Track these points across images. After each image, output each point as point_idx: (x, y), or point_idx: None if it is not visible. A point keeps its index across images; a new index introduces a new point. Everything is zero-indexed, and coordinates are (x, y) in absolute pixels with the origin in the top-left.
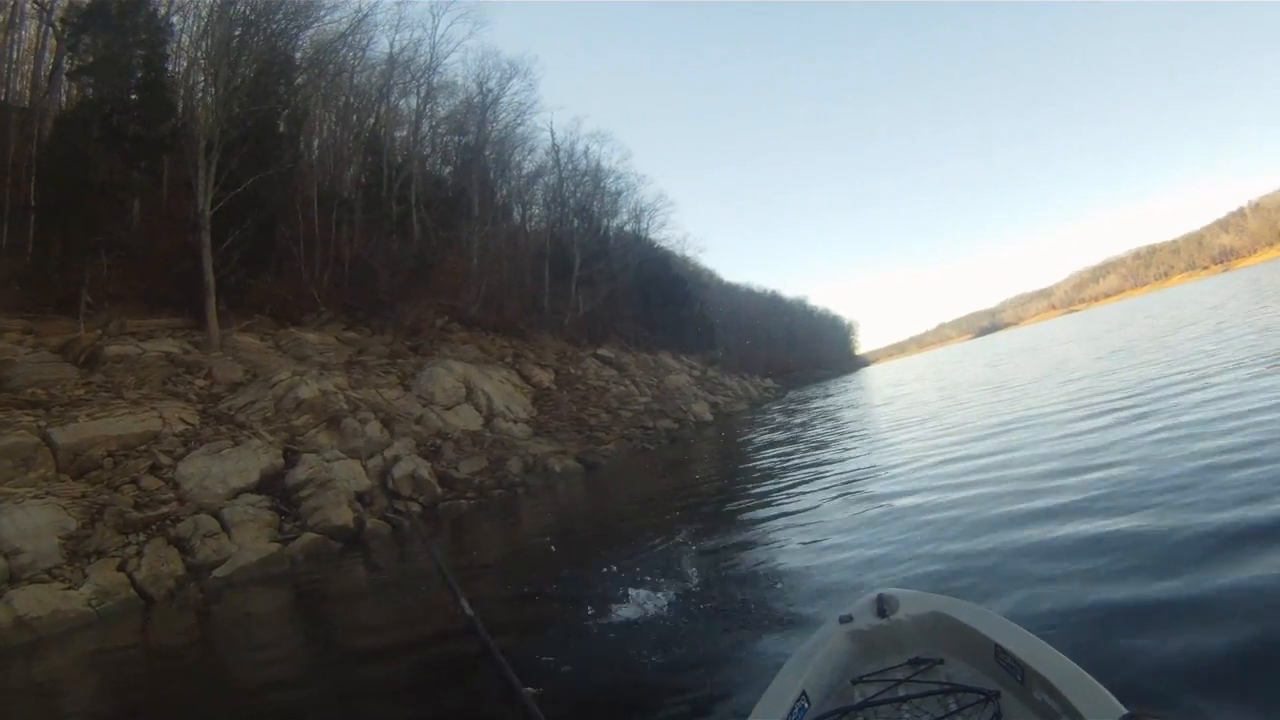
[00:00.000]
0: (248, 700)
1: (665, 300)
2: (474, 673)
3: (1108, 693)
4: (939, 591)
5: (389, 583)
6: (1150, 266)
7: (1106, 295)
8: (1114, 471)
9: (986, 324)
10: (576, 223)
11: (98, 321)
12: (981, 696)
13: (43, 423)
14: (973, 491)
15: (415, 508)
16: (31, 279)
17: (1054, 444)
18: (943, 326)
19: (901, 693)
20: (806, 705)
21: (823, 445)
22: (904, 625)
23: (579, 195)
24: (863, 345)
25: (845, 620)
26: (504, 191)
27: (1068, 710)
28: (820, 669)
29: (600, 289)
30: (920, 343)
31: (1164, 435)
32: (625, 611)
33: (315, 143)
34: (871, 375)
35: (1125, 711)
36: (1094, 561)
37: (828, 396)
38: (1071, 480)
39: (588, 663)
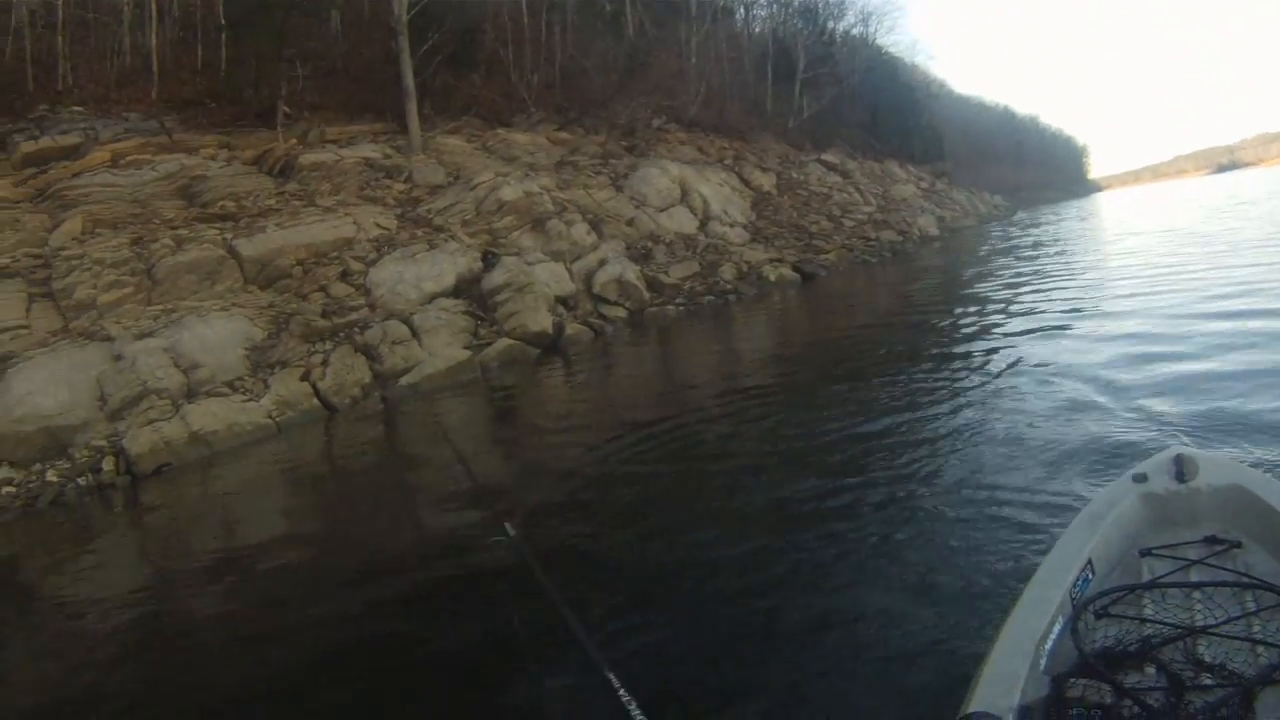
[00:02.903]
0: (442, 511)
1: (893, 109)
2: (677, 466)
3: None
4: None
5: (586, 389)
6: None
7: None
8: None
9: (1225, 160)
10: (800, 24)
11: (296, 132)
12: None
13: (229, 235)
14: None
15: (620, 313)
16: (226, 96)
17: None
18: (1179, 159)
19: (1194, 577)
20: (1090, 576)
21: (1059, 279)
22: (1202, 495)
23: None
24: (1095, 170)
25: (1139, 479)
26: None
27: None
28: (1109, 535)
29: (825, 92)
30: (1155, 173)
31: None
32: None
33: None
34: (1105, 202)
35: None
36: None
37: (1060, 221)
38: None
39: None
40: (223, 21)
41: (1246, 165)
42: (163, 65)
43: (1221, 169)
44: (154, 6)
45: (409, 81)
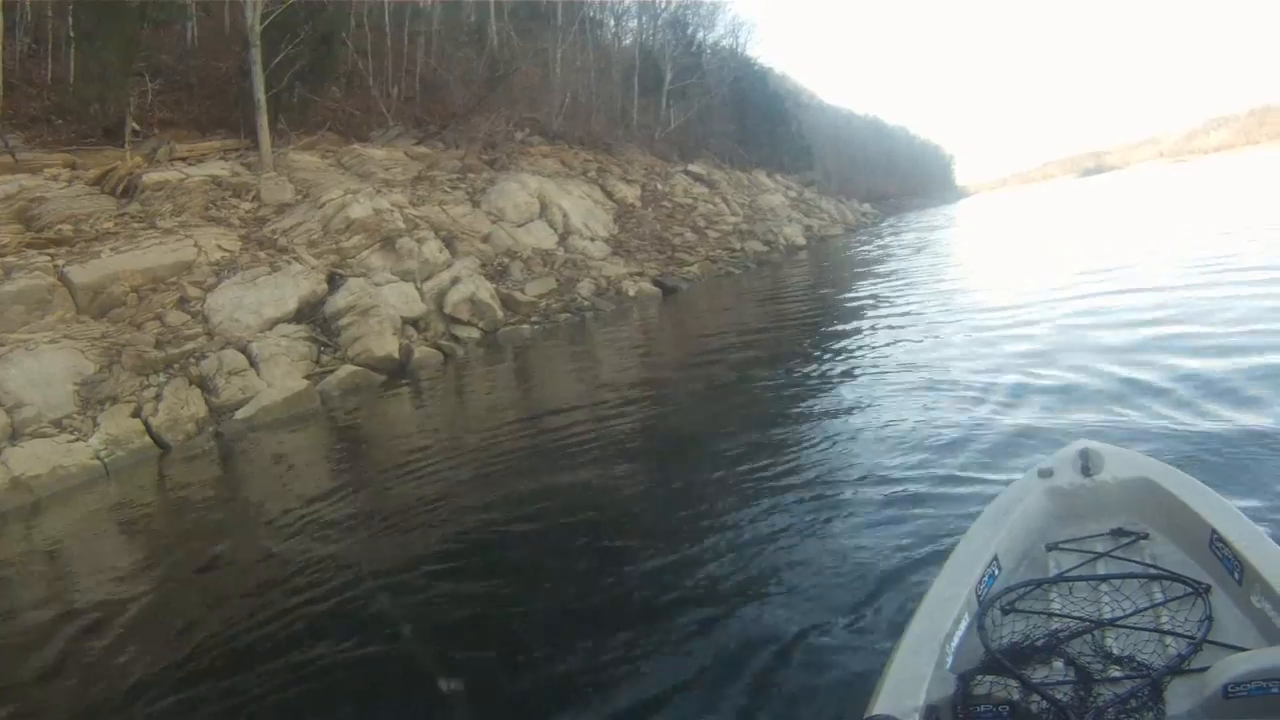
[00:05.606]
0: (267, 551)
1: (762, 118)
2: (523, 495)
3: None
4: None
5: (435, 414)
6: (1263, 125)
7: (1217, 148)
8: None
9: (1092, 165)
10: (669, 35)
11: (144, 149)
12: (1190, 589)
13: (60, 262)
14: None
15: (474, 333)
16: (74, 111)
17: None
18: (1048, 164)
19: (1101, 569)
20: (997, 572)
21: (926, 284)
22: (1108, 488)
23: (672, 6)
24: (963, 177)
25: (1045, 474)
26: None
27: None
28: (1015, 531)
29: (693, 103)
30: (1023, 178)
31: None
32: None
33: None
34: (972, 207)
35: None
36: None
37: (924, 230)
38: None
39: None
40: (73, 33)
41: (1113, 168)
42: (9, 80)
43: (1088, 172)
44: (0, 18)
45: (260, 94)
